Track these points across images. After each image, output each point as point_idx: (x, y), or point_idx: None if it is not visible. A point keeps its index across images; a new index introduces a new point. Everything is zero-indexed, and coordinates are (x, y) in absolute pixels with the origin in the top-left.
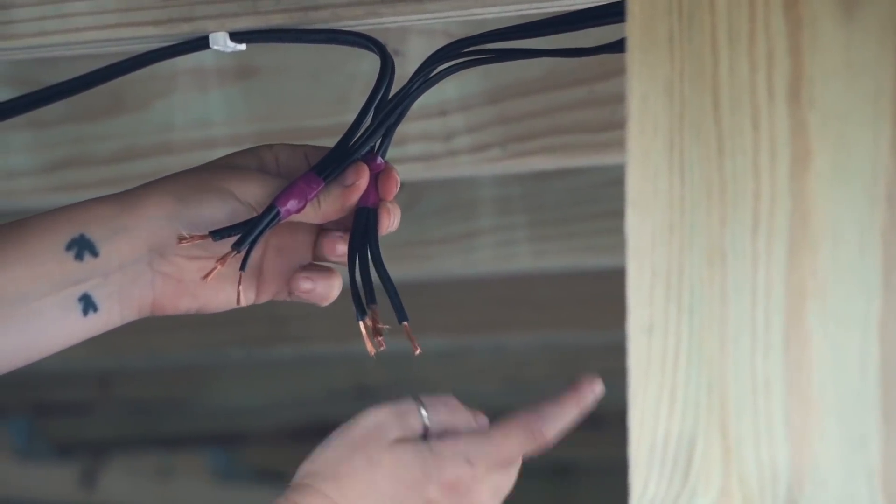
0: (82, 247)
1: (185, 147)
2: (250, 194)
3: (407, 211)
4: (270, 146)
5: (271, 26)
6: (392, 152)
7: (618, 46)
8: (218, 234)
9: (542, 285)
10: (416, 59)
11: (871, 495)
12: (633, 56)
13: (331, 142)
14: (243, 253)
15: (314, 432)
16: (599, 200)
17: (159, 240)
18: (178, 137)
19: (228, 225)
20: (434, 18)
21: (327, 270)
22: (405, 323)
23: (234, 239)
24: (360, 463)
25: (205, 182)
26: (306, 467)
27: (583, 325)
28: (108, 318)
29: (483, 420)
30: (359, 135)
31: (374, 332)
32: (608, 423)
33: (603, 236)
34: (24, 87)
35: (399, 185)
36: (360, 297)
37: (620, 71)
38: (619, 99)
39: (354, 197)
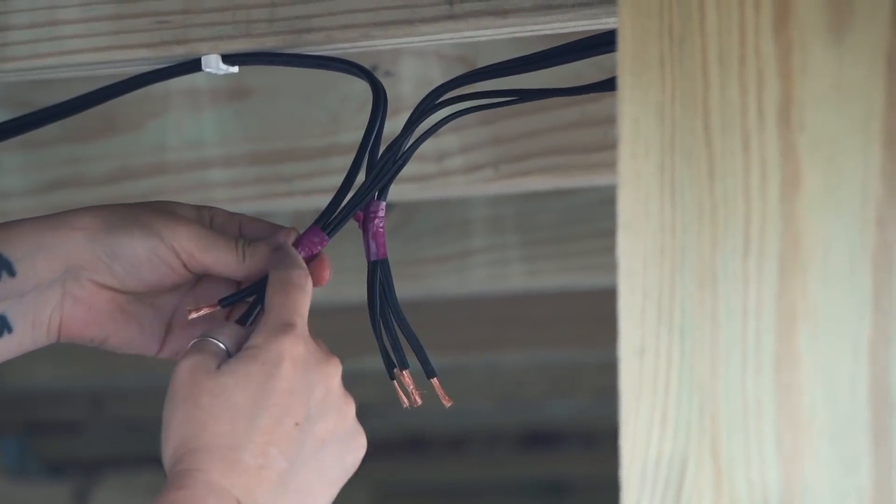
0: (0, 266)
1: (179, 168)
2: (177, 239)
3: (400, 231)
4: (210, 207)
5: (264, 49)
6: None
7: (610, 84)
8: (226, 301)
9: (535, 304)
10: (409, 79)
11: None
12: (625, 79)
13: (323, 162)
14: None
15: None
16: (592, 220)
17: (76, 261)
18: (171, 158)
19: (235, 293)
20: (426, 41)
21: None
22: (434, 379)
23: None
24: (205, 401)
25: (135, 215)
26: (167, 455)
27: (577, 343)
28: (21, 339)
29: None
30: (355, 192)
31: (408, 394)
32: (601, 442)
33: (596, 255)
34: (19, 108)
35: (331, 274)
36: (388, 357)
37: (612, 92)
38: (612, 120)
39: (277, 259)
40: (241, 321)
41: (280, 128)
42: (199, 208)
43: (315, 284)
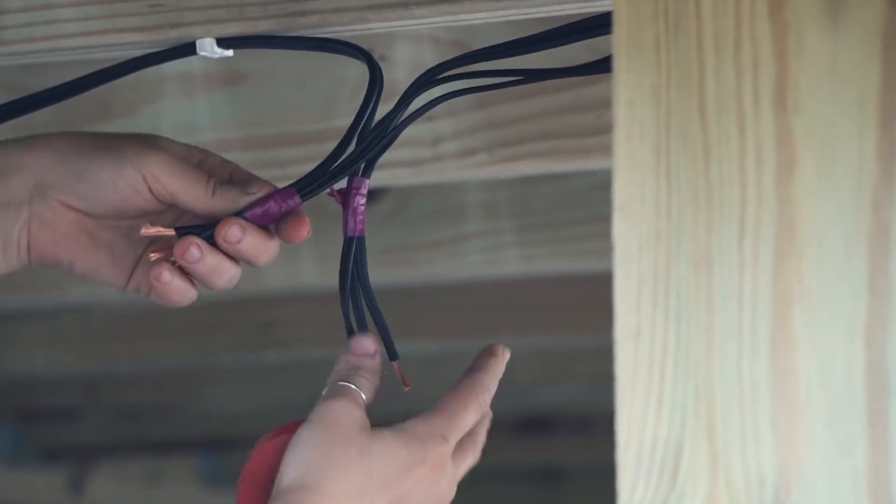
0: None
1: None
2: (146, 164)
3: (395, 216)
4: (205, 150)
5: (259, 32)
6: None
7: (605, 65)
8: (183, 231)
9: (530, 289)
10: (403, 64)
11: (857, 499)
12: (620, 63)
13: (318, 147)
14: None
15: None
16: (587, 204)
17: (44, 180)
18: None
19: (192, 224)
20: (421, 24)
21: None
22: (396, 362)
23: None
24: (352, 455)
25: (110, 140)
26: (289, 476)
27: (572, 328)
28: None
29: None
30: (341, 160)
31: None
32: (597, 428)
33: (591, 240)
34: (12, 93)
35: (309, 232)
36: (353, 332)
37: (607, 76)
38: (606, 104)
39: (243, 203)
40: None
41: (274, 113)
42: (190, 148)
43: (291, 240)
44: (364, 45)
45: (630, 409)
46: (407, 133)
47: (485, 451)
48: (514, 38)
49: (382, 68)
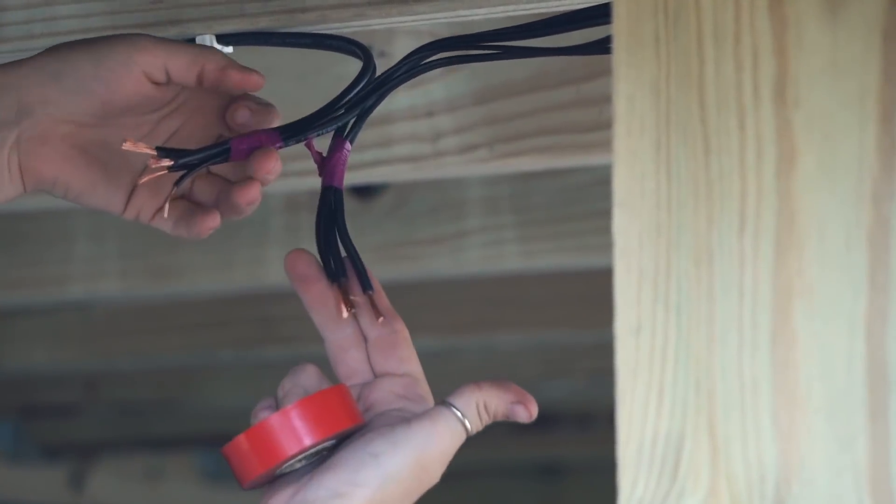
0: None
1: None
2: (134, 45)
3: (395, 212)
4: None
5: (258, 29)
6: (379, 153)
7: (603, 44)
8: (164, 151)
9: (531, 285)
10: None
11: (858, 494)
12: (620, 57)
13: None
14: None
15: None
16: (588, 200)
17: (28, 97)
18: None
19: (173, 147)
20: (421, 20)
21: (264, 103)
22: (370, 292)
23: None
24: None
25: (96, 40)
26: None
27: (572, 324)
28: None
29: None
30: (327, 117)
31: (346, 302)
32: (596, 423)
33: (592, 236)
34: None
35: (278, 168)
36: (331, 270)
37: (607, 71)
38: (607, 99)
39: (232, 79)
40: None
41: None
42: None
43: (260, 173)
44: (363, 41)
45: (630, 404)
46: (407, 129)
47: (485, 448)
48: (515, 25)
49: (382, 64)
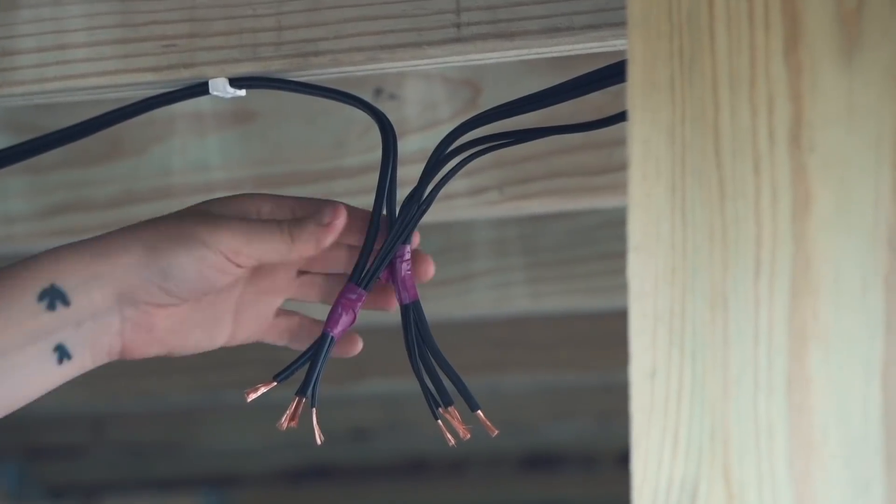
0: (54, 297)
1: (184, 191)
2: (222, 241)
3: None
4: (252, 196)
5: (271, 73)
6: None
7: (619, 118)
8: (281, 376)
9: (538, 327)
10: (414, 102)
11: None
12: (635, 101)
13: (328, 185)
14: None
15: (308, 475)
16: (596, 242)
17: (129, 288)
18: (176, 182)
19: (288, 365)
20: (432, 64)
21: (307, 321)
22: (479, 412)
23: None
24: None
25: (175, 229)
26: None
27: (579, 366)
28: (81, 364)
29: None
30: (381, 246)
31: (457, 431)
32: (602, 465)
33: (599, 278)
34: (21, 132)
35: (433, 269)
36: (431, 399)
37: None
38: (617, 142)
39: (329, 236)
40: (300, 393)
41: (284, 151)
42: (243, 201)
43: (423, 278)
44: (374, 84)
45: (645, 448)
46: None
47: (491, 488)
48: (528, 94)
49: (393, 107)
